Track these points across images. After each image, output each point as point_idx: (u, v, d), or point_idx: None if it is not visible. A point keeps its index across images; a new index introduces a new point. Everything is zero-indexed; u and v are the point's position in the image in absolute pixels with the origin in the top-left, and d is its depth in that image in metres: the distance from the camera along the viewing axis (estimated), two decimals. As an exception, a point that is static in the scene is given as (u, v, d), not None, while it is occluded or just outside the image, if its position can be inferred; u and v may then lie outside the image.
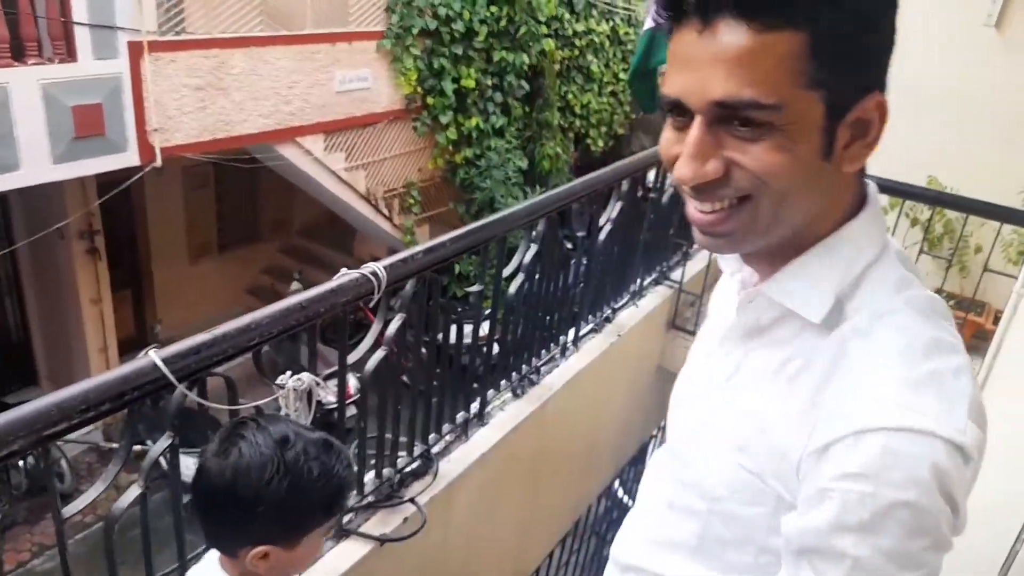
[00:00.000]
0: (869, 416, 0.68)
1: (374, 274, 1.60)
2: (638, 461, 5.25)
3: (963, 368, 0.71)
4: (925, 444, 0.66)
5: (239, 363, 1.37)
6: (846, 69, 0.67)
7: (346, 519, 1.83)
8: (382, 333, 1.80)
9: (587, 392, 2.90)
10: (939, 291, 3.77)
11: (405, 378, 1.96)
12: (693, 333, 3.63)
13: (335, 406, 2.24)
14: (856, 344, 0.72)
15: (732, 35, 0.65)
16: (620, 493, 5.90)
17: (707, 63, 0.66)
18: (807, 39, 0.64)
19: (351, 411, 2.66)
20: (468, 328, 2.23)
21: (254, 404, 1.44)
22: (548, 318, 2.64)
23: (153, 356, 1.25)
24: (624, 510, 6.26)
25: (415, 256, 1.75)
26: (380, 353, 1.76)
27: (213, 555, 1.21)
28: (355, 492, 1.87)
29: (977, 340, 3.83)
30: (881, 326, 0.72)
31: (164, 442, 1.30)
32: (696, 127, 0.69)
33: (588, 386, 2.86)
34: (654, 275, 3.50)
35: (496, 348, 2.39)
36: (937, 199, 3.05)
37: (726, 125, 0.68)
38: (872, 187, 0.77)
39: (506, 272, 2.26)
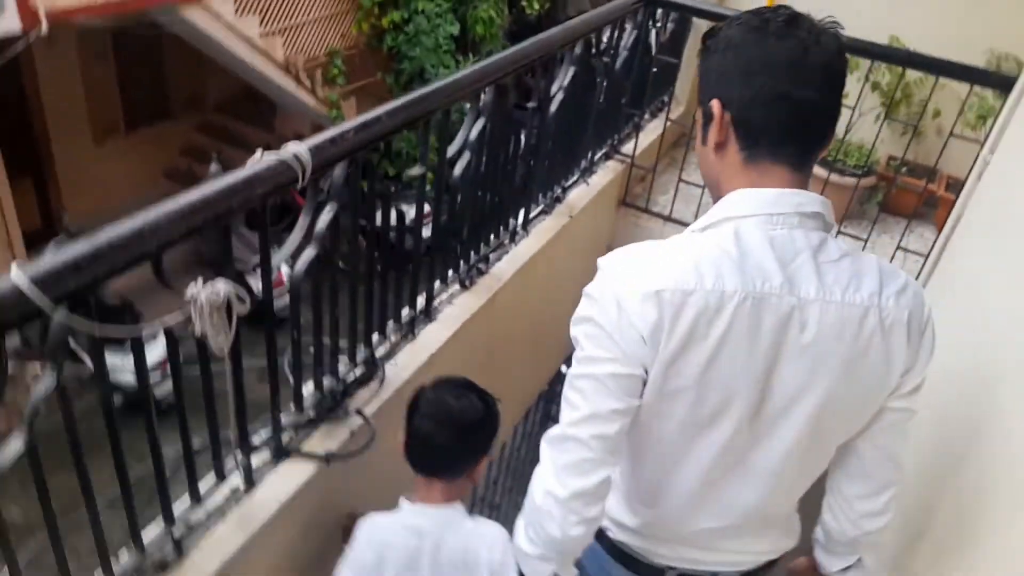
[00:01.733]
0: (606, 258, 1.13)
1: (297, 158, 1.32)
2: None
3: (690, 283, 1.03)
4: (615, 279, 1.07)
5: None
6: (701, 96, 1.13)
7: (286, 438, 1.63)
8: (312, 226, 1.54)
9: (538, 278, 2.71)
10: (894, 159, 3.66)
11: (341, 264, 1.70)
12: (644, 210, 3.45)
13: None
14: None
15: None
16: (564, 369, 5.92)
17: None
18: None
19: (284, 301, 2.41)
20: (411, 214, 1.98)
21: (152, 328, 1.18)
22: (497, 201, 2.40)
23: (17, 276, 0.97)
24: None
25: (345, 135, 1.47)
26: (311, 252, 1.51)
27: (390, 513, 1.61)
28: (292, 408, 1.67)
29: (927, 207, 3.77)
30: (682, 238, 1.11)
31: (48, 382, 1.04)
32: None
33: (539, 271, 2.68)
34: (604, 149, 3.26)
35: (441, 236, 2.16)
36: (907, 59, 2.85)
37: None
38: (766, 191, 1.07)
39: (450, 151, 2.00)
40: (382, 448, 1.82)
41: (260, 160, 1.29)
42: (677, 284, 1.02)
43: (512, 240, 2.57)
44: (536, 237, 2.65)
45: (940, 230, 3.08)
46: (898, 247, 3.10)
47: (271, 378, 1.52)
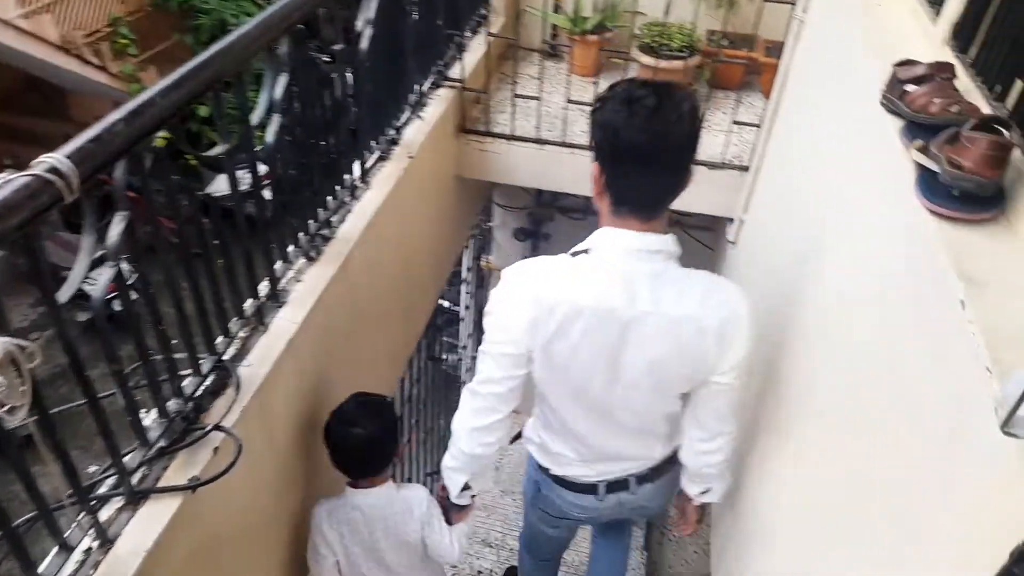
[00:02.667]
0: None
1: (55, 171, 1.10)
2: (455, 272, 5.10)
3: (552, 295, 1.55)
4: (512, 287, 1.59)
5: None
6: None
7: (137, 479, 1.44)
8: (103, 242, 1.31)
9: (391, 230, 2.55)
10: (715, 34, 3.68)
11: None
12: (486, 133, 3.32)
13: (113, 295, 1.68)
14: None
15: None
16: (443, 303, 5.83)
17: None
18: None
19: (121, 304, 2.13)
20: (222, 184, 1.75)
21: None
22: (326, 158, 2.20)
23: None
24: (448, 315, 6.26)
25: (113, 129, 1.24)
26: (108, 272, 1.29)
27: (339, 497, 2.05)
28: (137, 444, 1.47)
29: (751, 75, 3.84)
30: (563, 259, 1.58)
31: None
32: None
33: (390, 223, 2.51)
34: (432, 77, 3.07)
35: (269, 212, 1.95)
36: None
37: None
38: (625, 234, 1.52)
39: (255, 118, 1.77)
40: (255, 454, 1.66)
41: (5, 181, 1.06)
42: (550, 294, 1.53)
43: (353, 196, 2.39)
44: (379, 187, 2.47)
45: (768, 96, 3.14)
46: (733, 122, 3.13)
47: (97, 420, 1.32)
